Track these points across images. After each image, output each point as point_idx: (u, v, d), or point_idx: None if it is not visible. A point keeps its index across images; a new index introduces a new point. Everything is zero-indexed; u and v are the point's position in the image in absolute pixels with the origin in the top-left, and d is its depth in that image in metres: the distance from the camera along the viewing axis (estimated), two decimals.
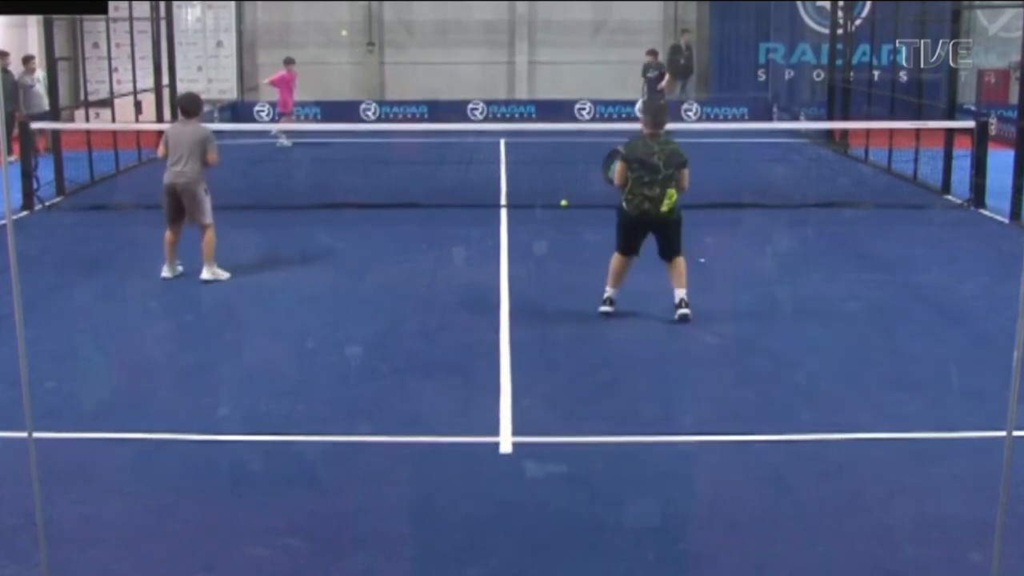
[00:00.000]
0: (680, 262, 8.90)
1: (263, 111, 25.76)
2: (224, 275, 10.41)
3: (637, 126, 9.43)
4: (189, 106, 10.60)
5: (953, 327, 9.16)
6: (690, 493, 5.88)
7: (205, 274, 10.31)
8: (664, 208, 8.71)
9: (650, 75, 22.47)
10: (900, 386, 7.59)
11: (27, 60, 19.75)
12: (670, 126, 9.56)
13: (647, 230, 8.91)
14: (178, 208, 10.30)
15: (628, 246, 8.95)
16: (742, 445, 6.64)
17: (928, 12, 18.12)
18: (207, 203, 10.34)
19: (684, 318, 8.77)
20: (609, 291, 9.03)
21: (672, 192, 8.71)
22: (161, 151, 10.57)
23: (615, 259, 9.01)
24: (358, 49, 26.48)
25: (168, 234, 10.42)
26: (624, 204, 8.85)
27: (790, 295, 9.88)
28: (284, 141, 21.05)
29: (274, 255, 11.63)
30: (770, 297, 9.89)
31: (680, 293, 8.87)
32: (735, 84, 26.54)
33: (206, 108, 23.67)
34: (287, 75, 21.03)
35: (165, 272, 10.42)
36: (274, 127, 21.62)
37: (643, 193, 8.70)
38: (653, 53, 22.90)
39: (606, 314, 8.96)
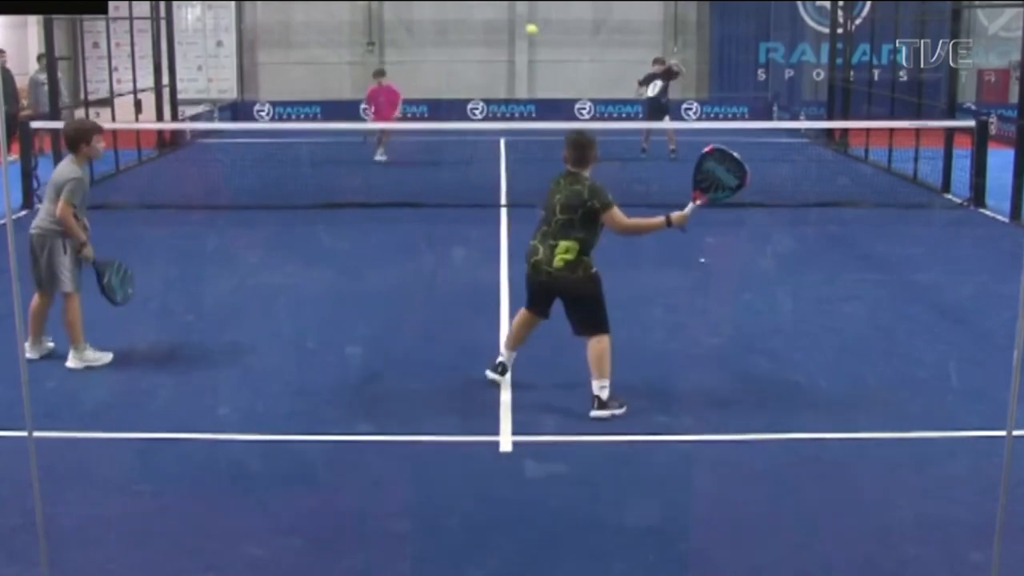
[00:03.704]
0: (597, 344, 6.78)
1: (263, 111, 25.82)
2: (103, 359, 7.91)
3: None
4: (69, 137, 7.92)
5: (953, 327, 9.15)
6: (690, 493, 5.87)
7: (71, 361, 7.83)
8: (557, 264, 6.73)
9: (654, 90, 19.02)
10: (900, 386, 7.59)
11: (41, 58, 19.71)
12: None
13: (545, 289, 6.94)
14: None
15: (531, 300, 7.13)
16: (742, 445, 6.64)
17: (928, 12, 18.15)
18: (65, 264, 7.76)
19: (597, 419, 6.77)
20: (504, 355, 7.31)
21: (569, 245, 6.71)
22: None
23: (520, 313, 7.28)
24: (358, 49, 26.49)
25: (35, 299, 7.92)
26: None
27: (790, 295, 9.89)
28: (380, 157, 19.23)
29: (274, 255, 11.62)
30: (770, 297, 9.90)
31: (596, 385, 6.83)
32: (735, 83, 26.60)
33: (207, 108, 23.96)
34: (375, 88, 19.33)
35: (29, 352, 7.79)
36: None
37: (535, 242, 6.92)
38: (660, 61, 19.68)
39: (493, 382, 7.29)
